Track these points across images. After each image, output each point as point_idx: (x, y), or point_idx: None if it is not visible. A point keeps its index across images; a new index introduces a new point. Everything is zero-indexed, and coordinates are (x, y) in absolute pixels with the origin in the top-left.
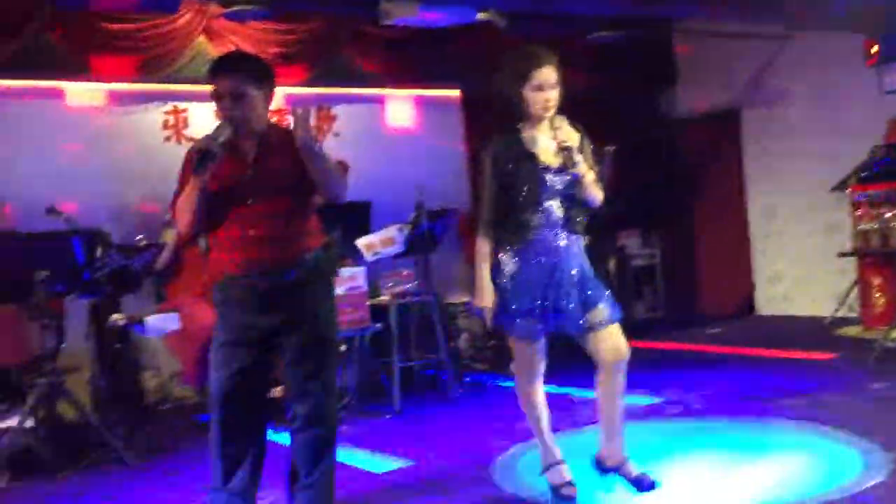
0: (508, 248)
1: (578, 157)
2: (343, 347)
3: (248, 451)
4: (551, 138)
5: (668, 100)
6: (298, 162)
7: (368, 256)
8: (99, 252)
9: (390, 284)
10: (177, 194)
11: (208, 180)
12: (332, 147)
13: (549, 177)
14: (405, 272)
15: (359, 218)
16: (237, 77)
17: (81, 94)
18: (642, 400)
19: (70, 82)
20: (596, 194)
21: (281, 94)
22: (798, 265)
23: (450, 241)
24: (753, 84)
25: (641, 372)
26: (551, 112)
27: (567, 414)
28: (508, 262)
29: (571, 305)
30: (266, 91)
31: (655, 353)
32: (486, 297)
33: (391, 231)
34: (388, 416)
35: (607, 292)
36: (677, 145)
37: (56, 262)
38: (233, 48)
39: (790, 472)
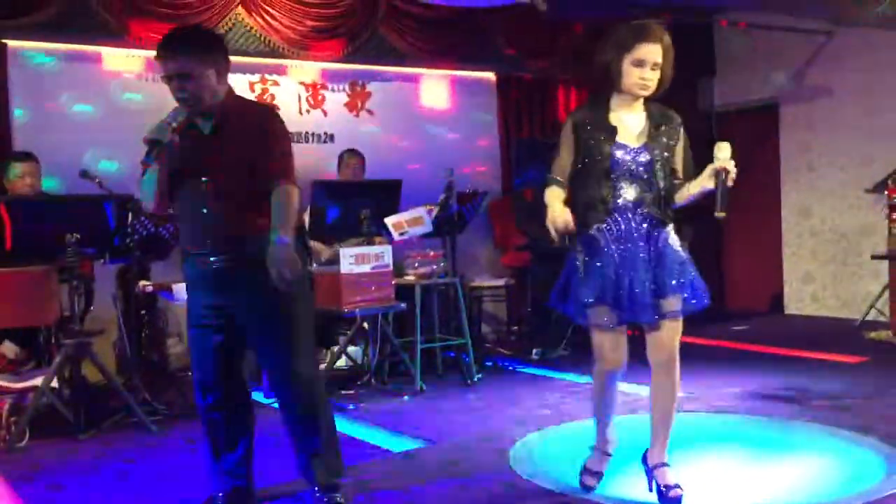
0: (579, 235)
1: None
2: (365, 325)
3: (236, 431)
4: (643, 117)
5: (706, 92)
6: (257, 137)
7: (396, 235)
8: (130, 218)
9: (416, 264)
10: (141, 176)
11: (165, 161)
12: (364, 120)
13: (622, 154)
14: (432, 253)
15: (389, 196)
16: (181, 57)
17: (118, 59)
18: None
19: (107, 47)
20: (685, 200)
21: (317, 69)
22: (830, 266)
23: (478, 223)
24: (794, 79)
25: None
26: (647, 92)
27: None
28: (580, 251)
29: (645, 292)
30: (217, 65)
31: (680, 348)
32: (559, 213)
33: (420, 211)
34: (407, 396)
35: (692, 279)
36: (713, 138)
37: (87, 225)
38: (269, 20)
39: (811, 474)
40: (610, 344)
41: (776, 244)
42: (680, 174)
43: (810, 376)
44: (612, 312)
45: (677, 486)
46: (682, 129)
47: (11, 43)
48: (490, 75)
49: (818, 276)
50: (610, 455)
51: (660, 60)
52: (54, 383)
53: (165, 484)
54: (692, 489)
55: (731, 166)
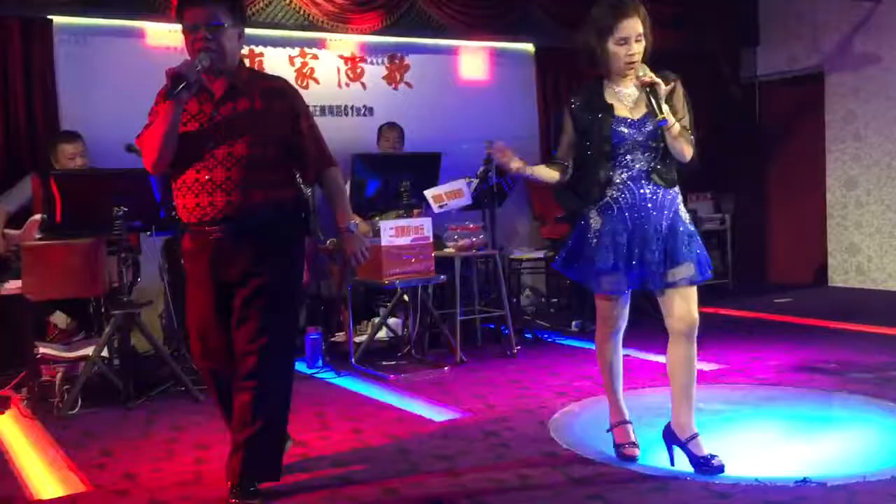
0: (593, 204)
1: (663, 101)
2: (405, 297)
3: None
4: (636, 88)
5: (749, 60)
6: (286, 114)
7: (436, 208)
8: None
9: (456, 237)
10: (144, 128)
11: (183, 103)
12: (403, 93)
13: (624, 129)
14: (472, 225)
15: (428, 169)
16: (213, 6)
17: (161, 34)
18: (706, 367)
19: (149, 22)
20: (684, 147)
21: (355, 41)
22: (875, 238)
23: (517, 196)
24: (841, 47)
25: (707, 338)
26: (634, 66)
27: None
28: (594, 218)
29: (655, 260)
30: (240, 26)
31: (721, 320)
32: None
33: (459, 183)
34: (447, 368)
35: (699, 252)
36: (757, 108)
37: (134, 199)
38: None
39: (854, 446)
40: (617, 309)
41: (820, 215)
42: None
43: (853, 349)
44: (623, 279)
45: (715, 455)
46: (678, 85)
47: (57, 19)
48: (529, 46)
49: (863, 247)
50: (630, 421)
51: (641, 31)
52: (104, 353)
53: (213, 451)
54: (735, 461)
55: (649, 74)
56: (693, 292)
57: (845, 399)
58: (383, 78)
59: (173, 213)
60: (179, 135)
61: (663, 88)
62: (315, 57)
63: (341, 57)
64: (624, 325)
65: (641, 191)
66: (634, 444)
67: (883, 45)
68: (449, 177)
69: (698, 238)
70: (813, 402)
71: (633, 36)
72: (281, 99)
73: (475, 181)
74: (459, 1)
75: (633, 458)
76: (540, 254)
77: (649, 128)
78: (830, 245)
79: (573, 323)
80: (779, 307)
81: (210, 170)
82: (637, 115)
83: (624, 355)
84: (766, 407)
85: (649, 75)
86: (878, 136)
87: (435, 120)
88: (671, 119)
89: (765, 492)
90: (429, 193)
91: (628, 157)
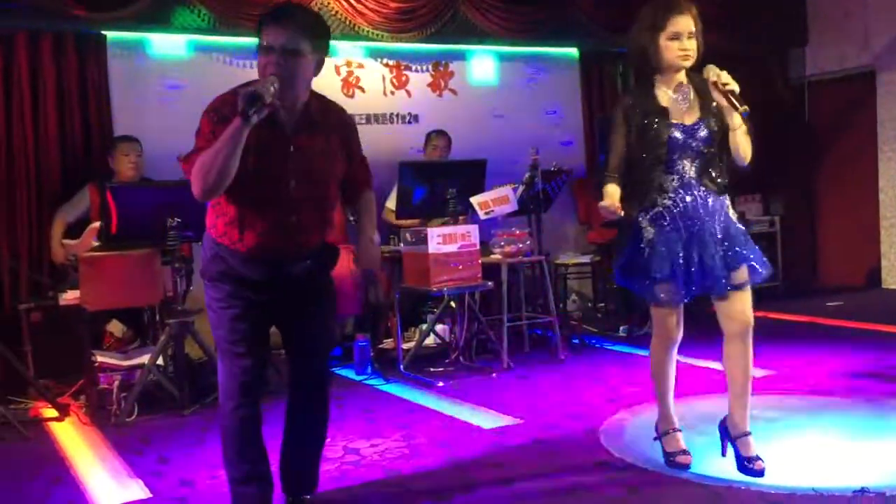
0: (645, 213)
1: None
2: (452, 304)
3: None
4: (690, 92)
5: (798, 60)
6: (339, 144)
7: (482, 214)
8: None
9: (502, 243)
10: (195, 149)
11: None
12: (448, 100)
13: (678, 134)
14: (518, 231)
15: (474, 175)
16: (293, 29)
17: (215, 48)
18: (758, 372)
19: (200, 36)
20: (746, 151)
21: (400, 49)
22: None
23: (563, 201)
24: (892, 45)
25: (757, 343)
26: (689, 62)
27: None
28: (646, 228)
29: (717, 265)
30: (319, 54)
31: (772, 324)
32: (608, 196)
33: (505, 190)
34: (495, 374)
35: (753, 254)
36: (806, 108)
37: (186, 209)
38: (353, 3)
39: None
40: (675, 319)
41: (873, 216)
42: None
43: None
44: (680, 288)
45: (759, 458)
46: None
47: (111, 34)
48: (573, 51)
49: None
50: (680, 429)
51: (694, 29)
52: (159, 361)
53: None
54: (787, 468)
55: (721, 75)
56: (749, 294)
57: None
58: (428, 85)
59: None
60: (254, 167)
61: (723, 79)
62: (360, 66)
63: (386, 65)
64: (680, 336)
65: (692, 197)
66: (686, 452)
67: None
68: (493, 182)
69: (746, 240)
70: (868, 410)
71: (685, 32)
72: (343, 129)
73: (521, 187)
74: (502, 7)
75: (685, 467)
76: (586, 258)
77: (702, 133)
78: (884, 247)
79: (621, 328)
80: (831, 310)
81: (286, 210)
82: (690, 119)
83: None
84: (820, 415)
85: (724, 77)
86: None
87: (479, 126)
88: (737, 122)
89: (822, 501)
90: (475, 200)
91: (680, 163)
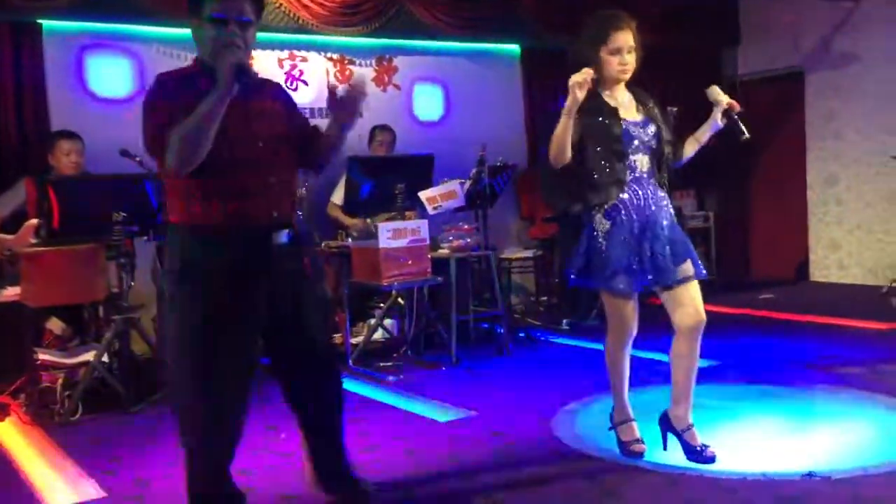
0: (599, 208)
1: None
2: (401, 300)
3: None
4: (630, 98)
5: (730, 59)
6: (290, 112)
7: (430, 209)
8: None
9: (451, 238)
10: (154, 133)
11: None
12: (391, 97)
13: (632, 129)
14: (466, 226)
15: (422, 171)
16: (246, 2)
17: (148, 36)
18: (701, 363)
19: (137, 25)
20: (694, 151)
21: (344, 44)
22: (856, 233)
23: (506, 196)
24: (820, 47)
25: None
26: (628, 76)
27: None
28: (601, 222)
29: (666, 257)
30: (258, 23)
31: (708, 316)
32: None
33: (453, 185)
34: (444, 368)
35: (692, 253)
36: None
37: (130, 203)
38: None
39: (848, 439)
40: (631, 309)
41: (802, 212)
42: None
43: (841, 344)
44: (634, 279)
45: (707, 446)
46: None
47: (47, 23)
48: (515, 48)
49: (844, 243)
50: (634, 419)
51: (633, 44)
52: (104, 358)
53: None
54: (730, 456)
55: (733, 102)
56: (697, 287)
57: (839, 394)
58: (372, 80)
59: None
60: (220, 133)
61: (737, 107)
62: (304, 59)
63: (330, 59)
64: (636, 330)
65: (644, 191)
66: (641, 441)
67: (861, 44)
68: (440, 178)
69: (685, 236)
70: (808, 398)
71: (625, 47)
72: (283, 95)
73: (468, 182)
74: (446, 3)
75: (640, 455)
76: (529, 253)
77: (651, 130)
78: (812, 241)
79: (563, 322)
80: (763, 303)
81: (245, 172)
82: (638, 117)
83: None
84: (764, 402)
85: (728, 100)
86: (858, 134)
87: (423, 121)
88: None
89: (772, 486)
90: (423, 195)
91: (633, 157)
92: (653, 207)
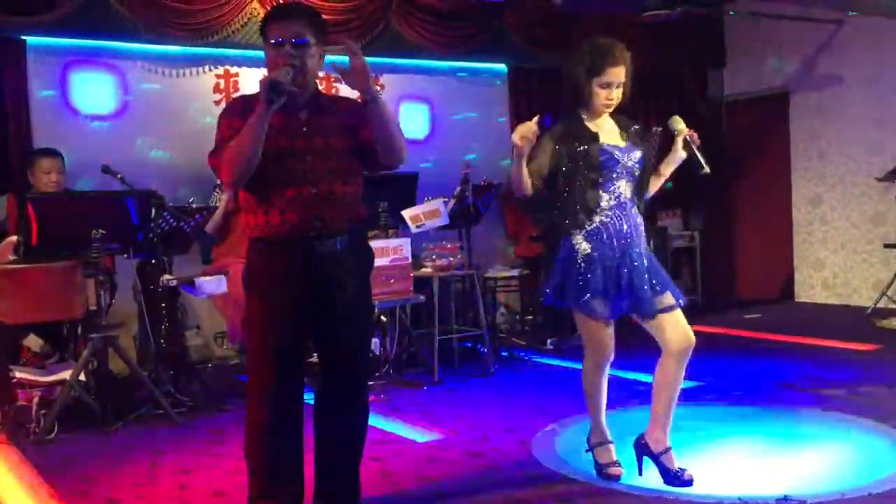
0: (579, 230)
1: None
2: (383, 318)
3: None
4: (613, 125)
5: (716, 80)
6: (351, 123)
7: (413, 228)
8: (153, 213)
9: (434, 256)
10: (219, 146)
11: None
12: None
13: (617, 154)
14: (449, 245)
15: (405, 189)
16: (301, 22)
17: (134, 53)
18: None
19: (123, 42)
20: (653, 192)
21: (329, 60)
22: (840, 254)
23: (491, 215)
24: (804, 68)
25: None
26: (610, 109)
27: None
28: (581, 244)
29: (645, 286)
30: (321, 46)
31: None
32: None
33: (436, 203)
34: (425, 387)
35: (670, 283)
36: (723, 127)
37: (111, 221)
38: None
39: (827, 462)
40: (609, 334)
41: (787, 232)
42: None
43: (823, 365)
44: (612, 305)
45: (685, 469)
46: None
47: (31, 39)
48: (502, 66)
49: (828, 263)
50: (612, 441)
51: (623, 79)
52: (81, 376)
53: (195, 475)
54: (707, 479)
55: (693, 134)
56: (680, 314)
57: (820, 416)
58: (358, 97)
59: (151, 235)
60: (273, 149)
61: (696, 138)
62: None
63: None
64: (612, 354)
65: (626, 217)
66: (618, 464)
67: (845, 66)
68: (424, 196)
69: (659, 263)
70: (788, 420)
71: (615, 83)
72: (356, 108)
73: (452, 201)
74: (433, 22)
75: (617, 478)
76: (514, 272)
77: (635, 157)
78: (797, 261)
79: (548, 341)
80: (748, 323)
81: (312, 183)
82: (622, 143)
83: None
84: (743, 424)
85: (687, 130)
86: (842, 154)
87: (408, 139)
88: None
89: None
90: (406, 214)
91: (615, 183)
92: (634, 235)
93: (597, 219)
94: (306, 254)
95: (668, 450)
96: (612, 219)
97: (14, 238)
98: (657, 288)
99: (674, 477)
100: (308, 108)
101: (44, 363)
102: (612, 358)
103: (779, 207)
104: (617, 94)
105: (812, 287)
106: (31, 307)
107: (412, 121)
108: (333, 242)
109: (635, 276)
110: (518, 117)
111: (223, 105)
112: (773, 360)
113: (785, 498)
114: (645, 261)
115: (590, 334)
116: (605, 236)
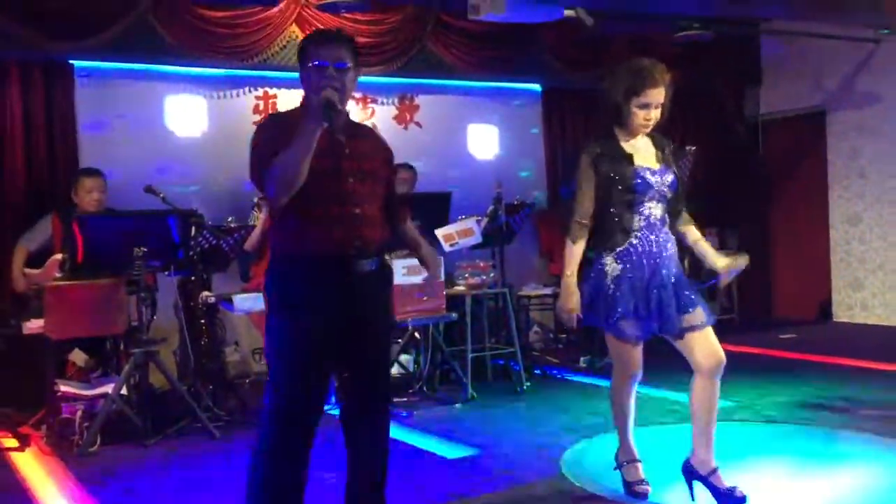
0: (610, 251)
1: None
2: (417, 335)
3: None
4: (649, 144)
5: (752, 100)
6: (382, 158)
7: (447, 247)
8: (193, 232)
9: (467, 275)
10: (259, 163)
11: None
12: (413, 133)
13: (649, 176)
14: (482, 263)
15: (439, 208)
16: (343, 47)
17: (177, 76)
18: None
19: (167, 66)
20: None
21: (367, 82)
22: (879, 273)
23: (525, 233)
24: (842, 87)
25: None
26: (648, 130)
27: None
28: (611, 265)
29: (672, 307)
30: (357, 70)
31: (727, 356)
32: (573, 301)
33: (470, 223)
34: (459, 404)
35: (701, 301)
36: (760, 146)
37: (153, 239)
38: None
39: (859, 484)
40: (637, 354)
41: (824, 251)
42: (681, 203)
43: (860, 385)
44: (642, 325)
45: (736, 486)
46: (691, 155)
47: (78, 63)
48: (536, 87)
49: (867, 283)
50: (640, 460)
51: (662, 100)
52: (123, 390)
53: (233, 485)
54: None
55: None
56: (710, 332)
57: (853, 437)
58: (394, 118)
59: (191, 253)
60: (317, 169)
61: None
62: None
63: (352, 98)
64: (641, 372)
65: (656, 238)
66: (645, 482)
67: (883, 84)
68: (457, 214)
69: (690, 282)
70: (822, 440)
71: (654, 104)
72: (385, 150)
73: (485, 220)
74: (468, 44)
75: (644, 496)
76: (548, 290)
77: (668, 178)
78: (834, 281)
79: (581, 359)
80: (784, 343)
81: (355, 203)
82: (656, 165)
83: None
84: (774, 444)
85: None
86: (881, 174)
87: (443, 160)
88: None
89: None
90: (440, 233)
91: (646, 205)
92: (663, 255)
93: (628, 240)
94: (346, 272)
95: (714, 470)
96: (641, 240)
97: (59, 256)
98: (685, 307)
99: (726, 496)
100: (345, 131)
101: (88, 377)
102: (640, 375)
103: (816, 227)
104: (655, 115)
105: (850, 307)
106: (76, 323)
107: (448, 139)
108: (369, 263)
109: (664, 296)
110: (551, 137)
111: None
112: (808, 381)
113: None
114: (673, 279)
115: (618, 352)
116: (634, 257)
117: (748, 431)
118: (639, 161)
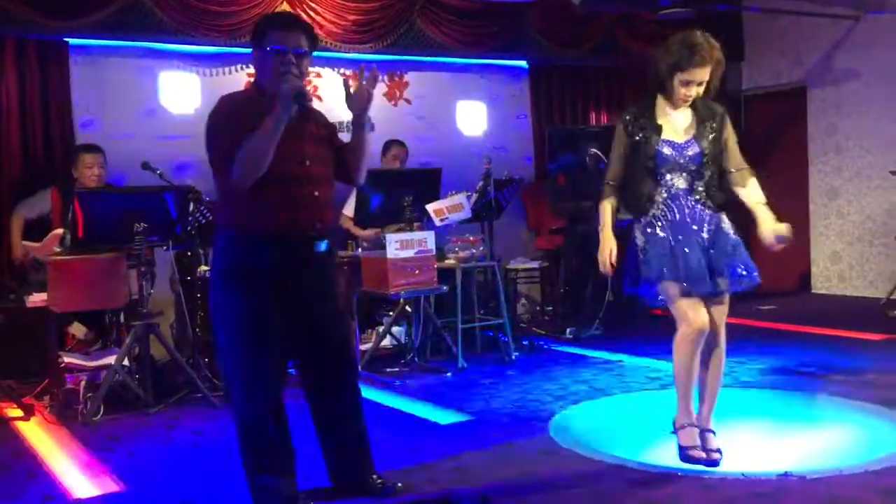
0: (637, 221)
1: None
2: (408, 308)
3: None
4: (690, 114)
5: (734, 75)
6: (327, 133)
7: (437, 221)
8: (190, 207)
9: (457, 249)
10: (221, 149)
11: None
12: (404, 113)
13: (667, 150)
14: (472, 238)
15: (430, 184)
16: (305, 36)
17: (172, 54)
18: None
19: (162, 43)
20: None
21: (357, 60)
22: (857, 246)
23: (513, 208)
24: (822, 63)
25: None
26: (688, 104)
27: (619, 379)
28: (639, 235)
29: (700, 267)
30: (311, 55)
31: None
32: (606, 251)
33: (460, 198)
34: (449, 374)
35: (742, 261)
36: (741, 121)
37: (151, 215)
38: (313, 15)
39: (828, 442)
40: (692, 307)
41: (803, 225)
42: (730, 166)
43: (834, 353)
44: (679, 283)
45: (719, 450)
46: (727, 119)
47: (73, 41)
48: (523, 64)
49: (845, 256)
50: (697, 425)
51: (707, 78)
52: (125, 361)
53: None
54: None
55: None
56: (727, 303)
57: (825, 400)
58: (384, 95)
59: (189, 228)
60: (277, 151)
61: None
62: (318, 75)
63: (343, 75)
64: (705, 330)
65: (680, 208)
66: (699, 448)
67: (863, 61)
68: (448, 191)
69: (742, 246)
70: (795, 403)
71: (696, 81)
72: (329, 124)
73: (474, 195)
74: (457, 21)
75: (699, 461)
76: (535, 264)
77: (691, 152)
78: (813, 253)
79: (567, 330)
80: (764, 314)
81: (307, 185)
82: (682, 138)
83: (617, 360)
84: (749, 406)
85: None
86: (859, 148)
87: (433, 135)
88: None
89: (749, 484)
90: (430, 208)
91: (668, 176)
92: (689, 222)
93: (651, 210)
94: (307, 252)
95: (710, 430)
96: (665, 210)
97: (59, 231)
98: (718, 270)
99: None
100: (301, 115)
101: (89, 349)
102: (705, 331)
103: (796, 201)
104: (697, 91)
105: (829, 279)
106: (79, 296)
107: (437, 116)
108: (325, 243)
109: (691, 259)
110: (539, 113)
111: None
112: (786, 349)
113: (786, 473)
114: (706, 245)
115: (676, 312)
116: (659, 227)
117: (725, 396)
118: (666, 133)
